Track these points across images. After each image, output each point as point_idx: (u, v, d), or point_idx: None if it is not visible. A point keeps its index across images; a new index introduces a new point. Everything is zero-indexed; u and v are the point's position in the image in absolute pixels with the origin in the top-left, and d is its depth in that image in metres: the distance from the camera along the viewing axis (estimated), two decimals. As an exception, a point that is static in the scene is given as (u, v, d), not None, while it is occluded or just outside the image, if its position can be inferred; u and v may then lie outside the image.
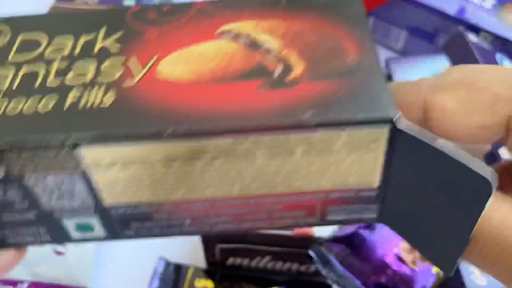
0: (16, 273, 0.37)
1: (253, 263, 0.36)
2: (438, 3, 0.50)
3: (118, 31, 0.16)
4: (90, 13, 0.18)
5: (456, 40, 0.42)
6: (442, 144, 0.14)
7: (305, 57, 0.15)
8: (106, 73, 0.15)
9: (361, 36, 0.17)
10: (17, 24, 0.17)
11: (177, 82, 0.15)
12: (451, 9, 0.49)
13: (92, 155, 0.14)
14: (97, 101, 0.14)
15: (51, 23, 0.17)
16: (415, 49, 0.54)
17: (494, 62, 0.41)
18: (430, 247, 0.16)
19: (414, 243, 0.16)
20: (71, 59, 0.16)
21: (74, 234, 0.16)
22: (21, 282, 0.37)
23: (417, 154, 0.14)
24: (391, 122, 0.14)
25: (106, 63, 0.15)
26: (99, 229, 0.16)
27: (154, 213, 0.16)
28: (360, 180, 0.15)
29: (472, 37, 0.42)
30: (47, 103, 0.14)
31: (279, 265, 0.36)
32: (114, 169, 0.14)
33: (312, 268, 0.36)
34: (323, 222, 0.17)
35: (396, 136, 0.14)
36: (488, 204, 0.14)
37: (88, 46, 0.16)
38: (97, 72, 0.15)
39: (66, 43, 0.16)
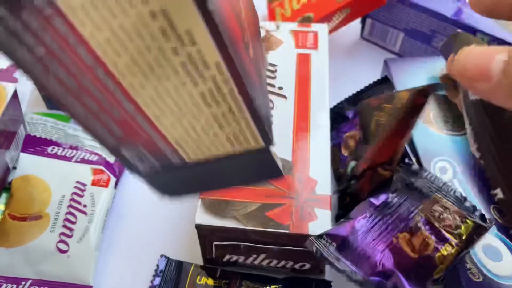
0: (19, 271, 0.37)
1: (249, 260, 0.36)
2: (435, 5, 0.50)
3: None
4: None
5: (453, 42, 0.42)
6: None
7: None
8: None
9: None
10: None
11: None
12: (447, 11, 0.50)
13: None
14: None
15: None
16: (412, 51, 0.55)
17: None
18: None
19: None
20: None
21: None
22: (24, 280, 0.37)
23: None
24: None
25: None
26: None
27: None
28: None
29: (468, 38, 0.42)
30: None
31: (274, 263, 0.36)
32: None
33: (307, 266, 0.36)
34: None
35: None
36: None
37: None
38: None
39: None
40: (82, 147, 0.44)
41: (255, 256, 0.36)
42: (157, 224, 0.42)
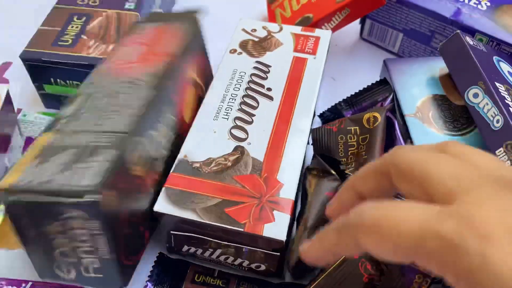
0: (19, 273, 0.37)
1: (206, 254, 0.37)
2: (434, 5, 0.51)
3: None
4: None
5: (453, 42, 0.43)
6: None
7: None
8: None
9: None
10: None
11: None
12: (446, 12, 0.50)
13: None
14: None
15: None
16: (411, 51, 0.55)
17: (491, 64, 0.41)
18: None
19: None
20: None
21: None
22: (25, 282, 0.37)
23: None
24: None
25: None
26: None
27: None
28: None
29: (469, 39, 0.43)
30: None
31: (230, 260, 0.36)
32: None
33: (263, 267, 0.36)
34: None
35: None
36: None
37: None
38: None
39: None
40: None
41: (211, 250, 0.36)
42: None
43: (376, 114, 0.39)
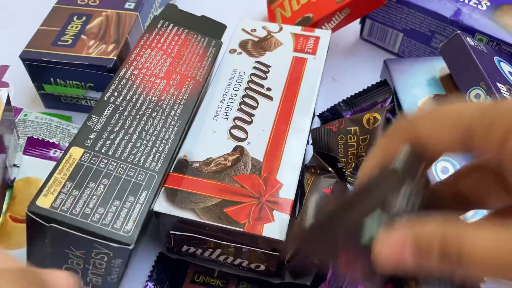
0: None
1: (206, 254, 0.37)
2: (434, 5, 0.51)
3: None
4: None
5: (453, 43, 0.43)
6: None
7: None
8: None
9: None
10: None
11: None
12: (447, 12, 0.50)
13: None
14: None
15: None
16: (411, 51, 0.55)
17: (492, 64, 0.41)
18: None
19: None
20: None
21: None
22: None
23: None
24: None
25: None
26: None
27: None
28: None
29: (469, 39, 0.42)
30: None
31: (230, 260, 0.36)
32: None
33: (262, 267, 0.36)
34: None
35: None
36: None
37: None
38: None
39: None
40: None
41: (211, 250, 0.36)
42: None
43: (376, 115, 0.39)
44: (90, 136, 0.34)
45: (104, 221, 0.30)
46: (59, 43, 0.47)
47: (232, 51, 0.46)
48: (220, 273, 0.37)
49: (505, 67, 0.43)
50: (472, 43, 0.42)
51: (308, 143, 0.39)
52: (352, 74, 0.56)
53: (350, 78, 0.55)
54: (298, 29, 0.48)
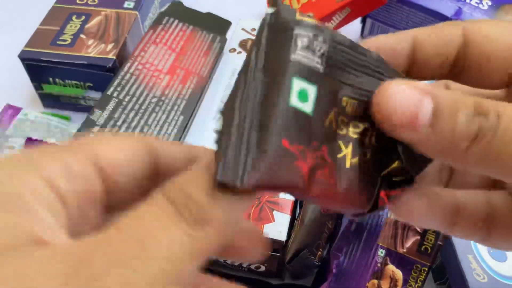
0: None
1: None
2: (435, 5, 0.50)
3: None
4: None
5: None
6: None
7: None
8: None
9: None
10: None
11: None
12: (448, 11, 0.50)
13: None
14: None
15: None
16: (412, 51, 0.55)
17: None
18: None
19: None
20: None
21: None
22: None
23: None
24: None
25: None
26: None
27: None
28: None
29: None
30: None
31: (229, 260, 0.36)
32: None
33: (262, 268, 0.36)
34: None
35: None
36: None
37: None
38: None
39: None
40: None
41: None
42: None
43: None
44: (92, 130, 0.34)
45: None
46: (58, 42, 0.46)
47: (232, 50, 0.45)
48: (220, 274, 0.37)
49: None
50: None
51: None
52: (352, 73, 0.55)
53: (351, 77, 0.55)
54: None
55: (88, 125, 0.34)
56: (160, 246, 0.13)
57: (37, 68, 0.46)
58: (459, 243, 0.33)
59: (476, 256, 0.33)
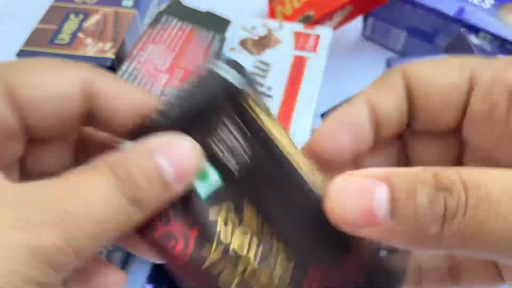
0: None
1: None
2: (437, 3, 0.50)
3: None
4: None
5: (457, 42, 0.42)
6: None
7: None
8: None
9: None
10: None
11: None
12: (450, 10, 0.49)
13: None
14: None
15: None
16: (414, 50, 0.54)
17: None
18: None
19: None
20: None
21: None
22: None
23: None
24: None
25: None
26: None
27: None
28: None
29: (473, 38, 0.42)
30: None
31: None
32: None
33: None
34: None
35: None
36: None
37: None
38: None
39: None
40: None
41: None
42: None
43: None
44: None
45: None
46: (56, 41, 0.46)
47: (232, 49, 0.45)
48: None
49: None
50: (476, 42, 0.41)
51: None
52: (354, 73, 0.55)
53: (352, 77, 0.54)
54: (299, 27, 0.47)
55: None
56: (93, 202, 0.14)
57: (35, 67, 0.45)
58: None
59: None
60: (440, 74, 0.17)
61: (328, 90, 0.52)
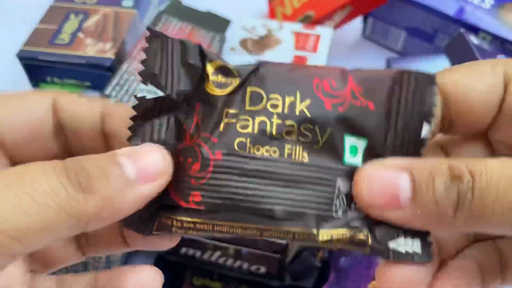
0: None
1: (205, 256, 0.36)
2: (437, 3, 0.50)
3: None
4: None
5: (457, 42, 0.42)
6: None
7: None
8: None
9: None
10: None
11: None
12: (450, 10, 0.49)
13: None
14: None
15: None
16: (414, 50, 0.54)
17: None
18: None
19: None
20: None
21: None
22: None
23: None
24: None
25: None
26: None
27: None
28: None
29: (473, 38, 0.42)
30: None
31: (230, 262, 0.36)
32: None
33: (262, 269, 0.36)
34: None
35: None
36: None
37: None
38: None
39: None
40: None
41: (210, 252, 0.35)
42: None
43: None
44: None
45: None
46: (56, 41, 0.46)
47: (232, 49, 0.45)
48: (219, 276, 0.37)
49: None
50: (476, 42, 0.42)
51: None
52: (353, 73, 0.55)
53: (352, 77, 0.54)
54: (299, 27, 0.47)
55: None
56: (35, 187, 0.14)
57: (35, 67, 0.45)
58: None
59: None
60: (477, 78, 0.18)
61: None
